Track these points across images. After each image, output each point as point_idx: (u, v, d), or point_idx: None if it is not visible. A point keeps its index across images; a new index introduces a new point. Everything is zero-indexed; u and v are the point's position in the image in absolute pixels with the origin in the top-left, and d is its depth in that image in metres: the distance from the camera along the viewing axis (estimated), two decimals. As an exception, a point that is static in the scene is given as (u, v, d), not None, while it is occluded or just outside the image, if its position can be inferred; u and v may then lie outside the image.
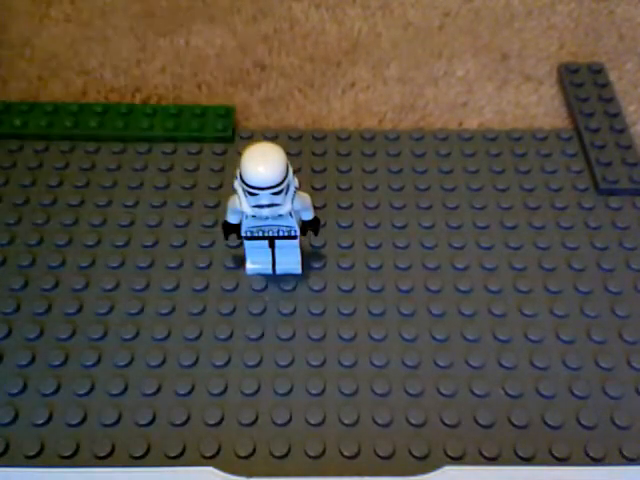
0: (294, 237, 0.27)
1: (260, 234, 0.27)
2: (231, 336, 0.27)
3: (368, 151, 0.34)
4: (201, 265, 0.30)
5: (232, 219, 0.27)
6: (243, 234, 0.27)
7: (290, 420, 0.25)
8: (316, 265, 0.30)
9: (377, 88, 0.38)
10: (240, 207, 0.26)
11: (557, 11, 0.42)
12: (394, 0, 0.43)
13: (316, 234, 0.29)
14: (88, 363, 0.26)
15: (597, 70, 0.37)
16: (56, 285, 0.29)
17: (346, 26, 0.42)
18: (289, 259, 0.29)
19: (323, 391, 0.26)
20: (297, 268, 0.29)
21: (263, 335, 0.27)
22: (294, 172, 0.25)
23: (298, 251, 0.29)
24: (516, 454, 0.24)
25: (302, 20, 0.42)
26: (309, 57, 0.40)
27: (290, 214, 0.26)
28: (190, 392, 0.26)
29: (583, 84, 0.37)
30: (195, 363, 0.27)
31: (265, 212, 0.25)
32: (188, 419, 0.25)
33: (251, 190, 0.24)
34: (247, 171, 0.24)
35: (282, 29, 0.41)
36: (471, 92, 0.38)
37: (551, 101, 0.37)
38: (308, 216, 0.27)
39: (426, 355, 0.27)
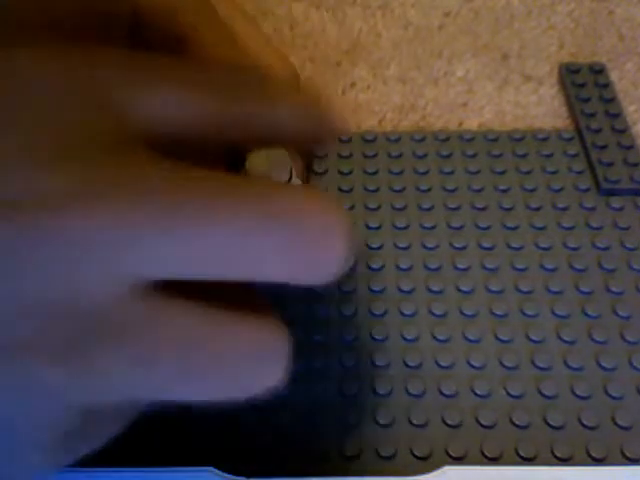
0: None
1: None
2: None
3: (369, 152, 0.34)
4: (202, 266, 0.30)
5: None
6: None
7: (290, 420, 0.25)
8: (317, 266, 0.30)
9: (377, 88, 0.38)
10: None
11: (557, 11, 0.42)
12: (394, 0, 0.43)
13: None
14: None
15: (598, 70, 0.37)
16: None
17: (346, 26, 0.42)
18: None
19: (324, 392, 0.26)
20: None
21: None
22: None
23: None
24: (518, 454, 0.24)
25: (302, 20, 0.42)
26: (309, 57, 0.40)
27: None
28: (192, 393, 0.26)
29: (584, 84, 0.37)
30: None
31: None
32: (189, 419, 0.25)
33: None
34: (249, 173, 0.24)
35: (282, 29, 0.41)
36: (471, 92, 0.38)
37: (551, 101, 0.37)
38: None
39: (427, 355, 0.27)
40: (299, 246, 0.13)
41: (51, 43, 0.15)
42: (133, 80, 0.14)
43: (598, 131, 0.34)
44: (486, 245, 0.30)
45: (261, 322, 0.15)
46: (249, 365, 0.14)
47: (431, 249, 0.30)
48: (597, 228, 0.31)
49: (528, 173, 0.33)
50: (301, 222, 0.13)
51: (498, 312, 0.28)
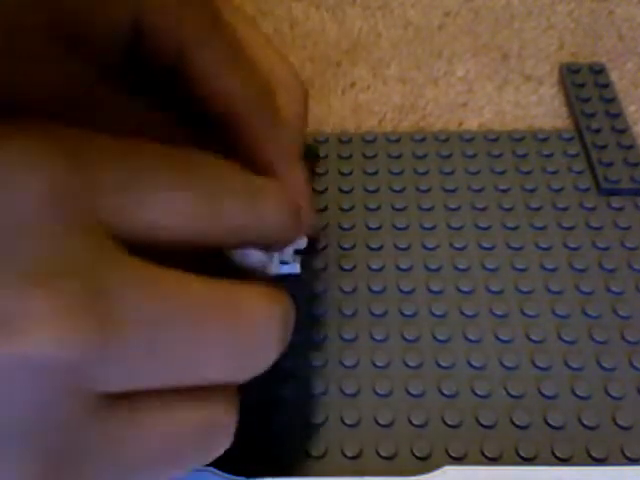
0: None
1: None
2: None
3: (369, 153, 0.34)
4: (203, 266, 0.30)
5: None
6: None
7: (291, 420, 0.25)
8: (317, 266, 0.30)
9: (377, 88, 0.38)
10: None
11: (557, 11, 0.42)
12: (394, 0, 0.43)
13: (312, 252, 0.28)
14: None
15: (598, 70, 0.37)
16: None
17: (346, 26, 0.42)
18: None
19: (325, 392, 0.26)
20: (296, 268, 0.29)
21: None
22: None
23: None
24: (518, 454, 0.24)
25: (302, 20, 0.42)
26: (309, 57, 0.40)
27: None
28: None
29: (584, 84, 0.37)
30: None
31: None
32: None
33: None
34: None
35: (282, 29, 0.41)
36: (471, 92, 0.38)
37: (551, 101, 0.37)
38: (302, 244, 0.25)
39: (427, 355, 0.27)
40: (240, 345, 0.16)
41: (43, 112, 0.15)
42: (121, 187, 0.14)
43: (598, 131, 0.34)
44: (486, 245, 0.30)
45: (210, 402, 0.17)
46: (196, 446, 0.16)
47: (431, 249, 0.30)
48: (597, 228, 0.31)
49: (528, 173, 0.33)
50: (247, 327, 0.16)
51: (498, 312, 0.28)
